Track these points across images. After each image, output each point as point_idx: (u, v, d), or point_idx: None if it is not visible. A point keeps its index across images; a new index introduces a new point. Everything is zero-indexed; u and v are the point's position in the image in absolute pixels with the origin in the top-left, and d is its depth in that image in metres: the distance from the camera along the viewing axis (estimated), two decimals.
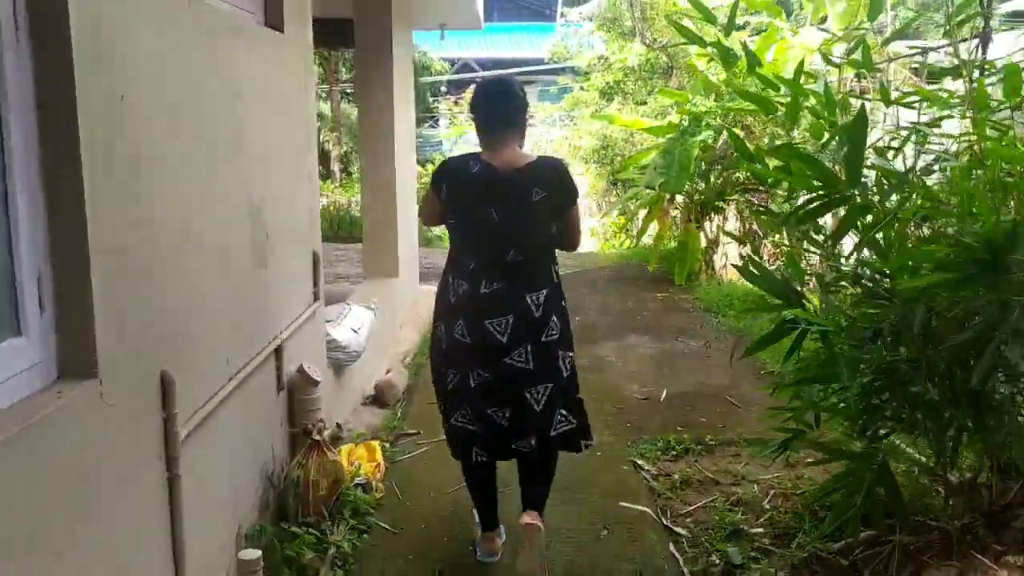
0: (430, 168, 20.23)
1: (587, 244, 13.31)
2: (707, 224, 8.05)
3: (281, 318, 3.03)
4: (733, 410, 4.38)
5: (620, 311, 6.81)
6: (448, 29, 8.21)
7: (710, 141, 7.48)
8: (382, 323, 5.36)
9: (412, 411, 4.40)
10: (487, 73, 26.24)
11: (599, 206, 14.68)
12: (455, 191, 2.59)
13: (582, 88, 17.62)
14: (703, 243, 7.94)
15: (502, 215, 2.50)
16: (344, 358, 3.98)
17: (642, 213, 8.88)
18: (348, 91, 17.18)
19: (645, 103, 14.62)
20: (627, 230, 15.12)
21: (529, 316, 2.52)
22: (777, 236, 7.34)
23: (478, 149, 2.64)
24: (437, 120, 24.34)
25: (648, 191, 7.92)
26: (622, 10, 10.62)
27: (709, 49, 3.39)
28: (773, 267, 7.49)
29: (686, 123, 7.13)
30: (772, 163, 6.63)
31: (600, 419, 4.23)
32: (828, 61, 2.92)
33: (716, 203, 7.71)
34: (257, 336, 2.76)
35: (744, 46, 2.84)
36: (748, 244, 7.22)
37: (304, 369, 3.12)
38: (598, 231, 14.40)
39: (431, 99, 24.12)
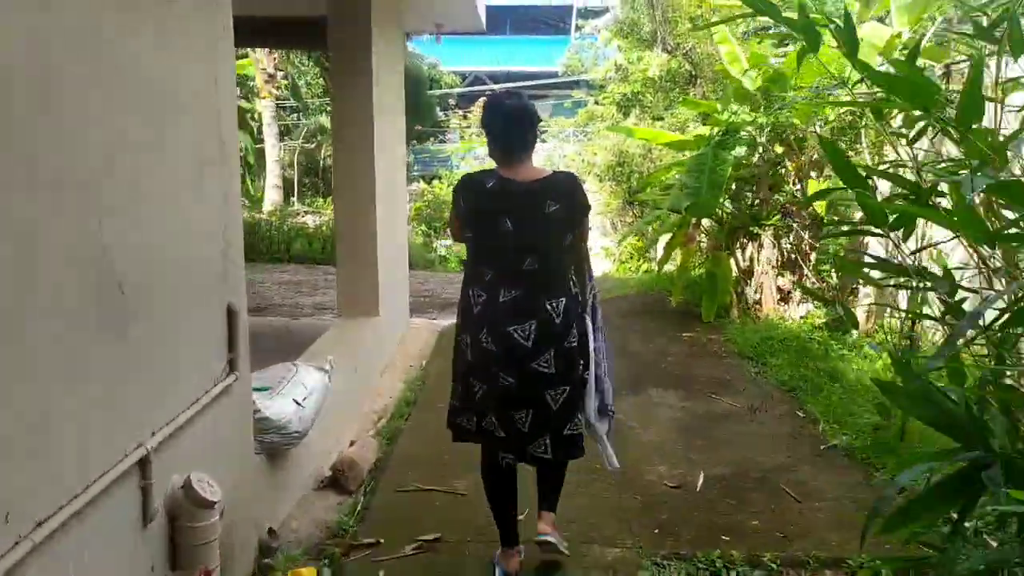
0: (436, 185, 19.45)
1: (602, 265, 12.34)
2: (738, 252, 7.05)
3: (152, 412, 2.07)
4: (793, 506, 3.36)
5: (639, 355, 5.81)
6: (446, 32, 7.30)
7: (742, 157, 6.52)
8: (353, 376, 4.41)
9: (377, 502, 3.42)
10: (499, 87, 25.49)
11: (615, 226, 13.75)
12: (472, 204, 2.67)
13: (596, 102, 16.74)
14: (734, 273, 6.93)
15: (516, 225, 2.58)
16: (281, 441, 3.02)
17: (663, 238, 7.90)
18: None
19: (662, 118, 13.67)
20: (644, 252, 14.16)
21: (551, 322, 2.58)
22: (824, 267, 6.35)
23: (494, 166, 2.70)
24: (446, 134, 23.50)
25: (672, 214, 6.95)
26: (642, 12, 9.66)
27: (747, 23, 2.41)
28: (815, 303, 6.48)
29: (718, 136, 6.15)
30: (830, 184, 5.57)
31: (618, 519, 3.24)
32: (981, 32, 1.95)
33: (751, 228, 6.69)
34: (98, 450, 1.80)
35: (846, 16, 1.86)
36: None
37: (192, 485, 2.15)
38: (613, 252, 13.45)
39: (440, 113, 23.30)
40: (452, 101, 23.70)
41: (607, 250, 12.88)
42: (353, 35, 5.11)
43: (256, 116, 16.34)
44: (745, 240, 6.98)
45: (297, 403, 3.13)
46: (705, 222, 7.22)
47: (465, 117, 22.55)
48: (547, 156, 15.85)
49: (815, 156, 6.01)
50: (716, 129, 6.21)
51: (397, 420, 4.43)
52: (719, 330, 6.51)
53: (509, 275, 2.58)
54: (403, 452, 3.98)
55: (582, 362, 2.68)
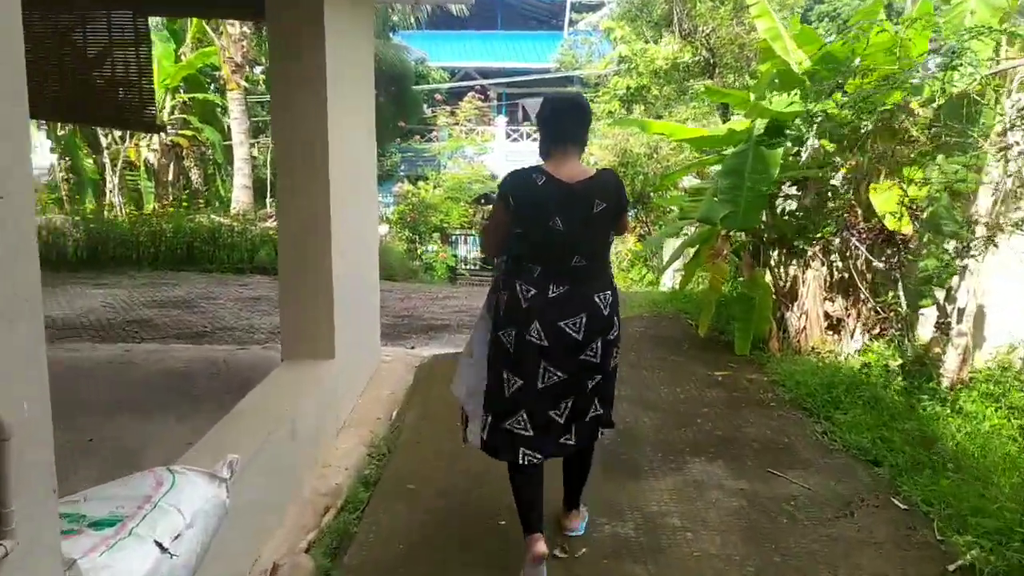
0: (422, 186, 18.17)
1: None
2: (779, 270, 5.87)
3: None
4: None
5: (669, 405, 4.61)
6: (426, 5, 6.10)
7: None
8: (289, 449, 3.23)
9: None
10: (486, 82, 24.33)
11: None
12: (522, 203, 2.66)
13: (592, 100, 15.61)
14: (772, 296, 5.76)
15: (567, 225, 2.61)
16: None
17: (682, 250, 6.72)
18: None
19: (660, 116, 12.48)
20: (647, 261, 13.06)
21: (600, 315, 2.66)
22: (890, 294, 5.18)
23: (540, 162, 2.73)
24: (433, 132, 22.28)
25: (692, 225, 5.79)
26: None
27: None
28: (874, 335, 5.34)
29: (760, 130, 4.98)
30: (885, 192, 4.40)
31: None
32: None
33: (796, 242, 5.52)
34: None
35: None
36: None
37: None
38: (612, 259, 12.27)
39: (427, 109, 22.09)
40: (440, 97, 22.50)
41: None
42: (299, 4, 3.89)
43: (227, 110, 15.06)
44: (785, 256, 5.80)
45: (161, 548, 1.91)
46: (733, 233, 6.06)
47: (453, 114, 21.36)
48: (537, 157, 14.76)
49: (868, 155, 4.83)
50: (760, 122, 5.04)
51: (348, 514, 3.21)
52: (759, 367, 5.34)
53: (558, 271, 2.64)
54: (350, 574, 2.77)
55: (617, 352, 2.81)
